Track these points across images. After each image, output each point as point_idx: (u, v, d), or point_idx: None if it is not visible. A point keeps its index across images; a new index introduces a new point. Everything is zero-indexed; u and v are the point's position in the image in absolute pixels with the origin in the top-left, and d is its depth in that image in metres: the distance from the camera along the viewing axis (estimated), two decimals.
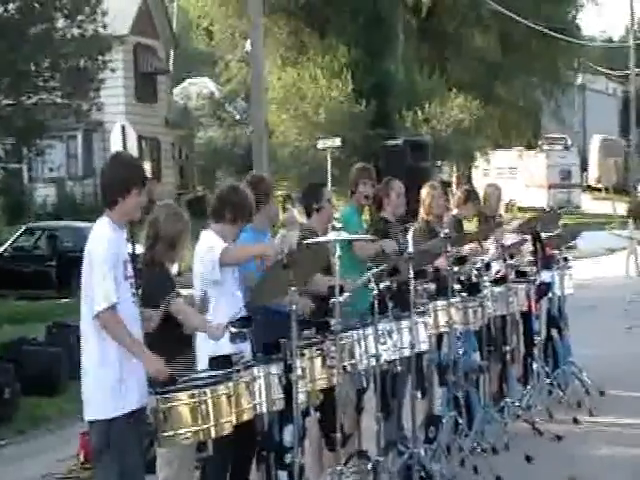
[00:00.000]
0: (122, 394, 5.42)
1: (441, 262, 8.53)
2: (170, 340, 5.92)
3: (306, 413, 6.50)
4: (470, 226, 10.51)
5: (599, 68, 54.20)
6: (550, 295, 10.40)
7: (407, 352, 7.34)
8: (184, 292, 6.35)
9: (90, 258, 5.45)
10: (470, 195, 10.11)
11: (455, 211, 10.01)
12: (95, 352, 5.44)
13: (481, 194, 10.51)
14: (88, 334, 5.48)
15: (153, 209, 6.32)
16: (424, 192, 9.31)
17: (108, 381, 5.42)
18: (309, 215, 7.83)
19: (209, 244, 6.48)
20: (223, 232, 6.56)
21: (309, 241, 6.94)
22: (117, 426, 5.42)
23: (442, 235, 8.37)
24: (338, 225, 6.82)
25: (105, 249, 5.42)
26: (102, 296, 5.35)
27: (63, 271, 19.85)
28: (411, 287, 7.41)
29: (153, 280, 6.12)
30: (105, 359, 5.42)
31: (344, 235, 6.75)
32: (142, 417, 5.55)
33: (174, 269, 6.54)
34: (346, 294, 6.78)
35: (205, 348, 6.14)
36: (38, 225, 23.97)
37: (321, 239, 6.90)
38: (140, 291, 5.93)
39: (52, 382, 11.49)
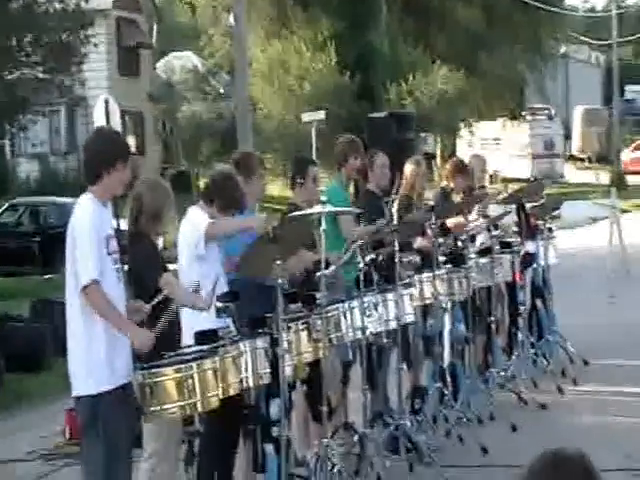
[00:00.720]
0: (109, 369, 5.42)
1: (424, 244, 8.51)
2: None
3: (292, 386, 6.53)
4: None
5: (582, 38, 54.14)
6: (534, 265, 10.44)
7: (393, 324, 7.37)
8: (170, 267, 6.35)
9: (73, 234, 5.43)
10: (460, 167, 9.97)
11: (444, 183, 9.92)
12: (81, 327, 5.43)
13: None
14: (74, 309, 5.47)
15: (136, 184, 6.31)
16: (408, 169, 9.13)
17: (94, 356, 5.41)
18: (293, 189, 7.82)
19: (195, 220, 6.48)
20: (212, 214, 6.55)
21: (294, 214, 6.94)
22: (104, 401, 5.41)
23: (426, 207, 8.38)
24: (323, 198, 6.80)
25: (88, 225, 5.40)
26: (86, 271, 5.35)
27: (47, 247, 19.79)
28: (396, 259, 7.43)
29: (139, 254, 6.12)
30: (91, 334, 5.41)
31: (329, 208, 6.74)
32: (129, 392, 5.55)
33: (159, 243, 6.52)
34: (332, 267, 6.80)
35: (190, 323, 6.15)
36: (21, 201, 23.87)
37: (306, 212, 6.88)
38: (127, 267, 5.93)
39: (37, 359, 11.49)
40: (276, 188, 29.64)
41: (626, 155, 45.42)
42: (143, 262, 6.07)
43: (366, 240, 7.38)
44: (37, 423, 9.74)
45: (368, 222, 8.00)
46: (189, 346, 5.93)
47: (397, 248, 7.48)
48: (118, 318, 5.44)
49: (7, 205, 22.91)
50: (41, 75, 20.99)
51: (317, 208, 6.70)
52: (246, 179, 6.93)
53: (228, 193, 6.60)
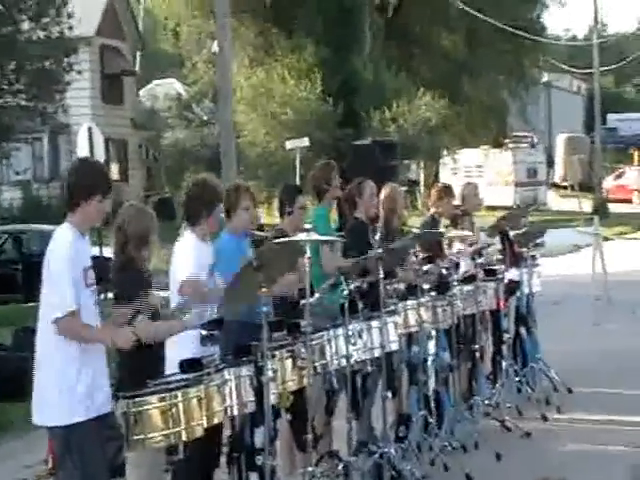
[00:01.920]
0: (83, 399, 5.38)
1: (408, 277, 8.48)
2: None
3: (277, 415, 6.50)
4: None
5: (564, 66, 54.52)
6: (518, 293, 10.45)
7: (377, 352, 7.36)
8: (162, 294, 6.34)
9: (49, 265, 5.41)
10: (445, 191, 9.99)
11: (433, 210, 9.93)
12: (53, 357, 5.41)
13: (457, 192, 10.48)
14: (46, 339, 5.44)
15: (119, 211, 6.29)
16: (382, 196, 9.01)
17: (67, 386, 5.38)
18: (282, 216, 7.78)
19: (184, 255, 6.45)
20: (202, 235, 6.55)
21: (279, 240, 6.93)
22: (78, 432, 5.37)
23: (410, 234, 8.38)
24: (308, 226, 6.79)
25: (65, 256, 5.36)
26: (61, 303, 5.32)
27: (30, 275, 19.65)
28: (381, 287, 7.43)
29: (127, 283, 6.10)
30: (65, 364, 5.38)
31: (314, 236, 6.74)
32: (107, 422, 5.50)
33: (147, 268, 6.46)
34: (316, 295, 6.79)
35: (176, 352, 6.12)
36: (4, 229, 23.75)
37: (290, 239, 6.88)
38: (113, 294, 5.92)
39: (19, 387, 11.38)
40: (260, 215, 29.62)
41: (608, 183, 45.65)
42: (130, 291, 6.04)
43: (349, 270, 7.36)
44: (20, 452, 9.66)
45: (356, 251, 7.97)
46: (173, 373, 5.91)
47: (382, 276, 7.48)
48: (97, 334, 5.42)
49: None
50: (24, 102, 20.99)
51: (301, 235, 6.70)
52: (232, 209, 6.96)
53: (206, 205, 6.56)
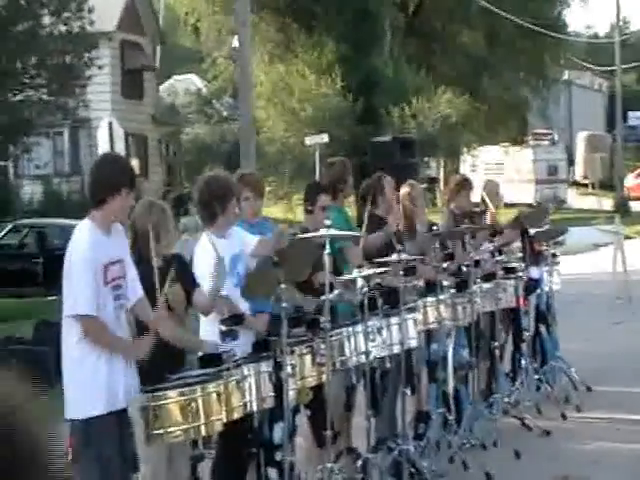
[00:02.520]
0: (103, 394, 5.39)
1: (428, 273, 8.42)
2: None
3: (296, 410, 6.51)
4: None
5: (585, 64, 54.31)
6: (538, 291, 10.41)
7: (397, 349, 7.35)
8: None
9: (69, 264, 5.41)
10: (463, 184, 9.84)
11: (452, 205, 9.77)
12: (75, 351, 5.42)
13: (475, 190, 10.41)
14: (68, 333, 5.45)
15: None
16: (401, 194, 8.94)
17: (88, 380, 5.39)
18: (306, 213, 7.74)
19: (203, 258, 6.42)
20: (216, 231, 6.50)
21: (299, 236, 6.94)
22: (96, 425, 5.38)
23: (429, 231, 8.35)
24: (328, 222, 6.77)
25: (83, 255, 5.36)
26: (83, 303, 5.32)
27: (50, 269, 19.75)
28: (400, 284, 7.42)
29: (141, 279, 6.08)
30: (86, 358, 5.39)
31: (333, 231, 6.72)
32: (127, 417, 5.51)
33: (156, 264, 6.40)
34: (336, 291, 6.78)
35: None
36: (25, 223, 23.87)
37: (311, 235, 6.87)
38: None
39: (40, 381, 11.44)
40: (280, 211, 29.67)
41: (629, 181, 45.45)
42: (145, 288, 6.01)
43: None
44: None
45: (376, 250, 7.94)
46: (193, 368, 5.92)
47: (402, 273, 7.47)
48: (118, 344, 5.43)
49: (10, 227, 22.90)
50: (45, 97, 21.06)
51: (322, 231, 6.69)
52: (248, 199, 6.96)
53: (220, 193, 6.52)
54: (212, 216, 6.50)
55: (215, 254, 6.15)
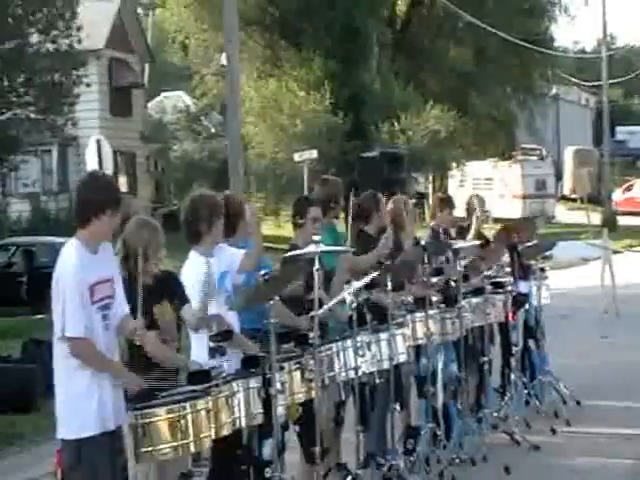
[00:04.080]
0: (92, 414, 5.37)
1: (416, 290, 8.43)
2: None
3: (285, 427, 6.49)
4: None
5: (572, 79, 54.52)
6: (527, 306, 10.42)
7: (386, 364, 7.35)
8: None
9: (57, 285, 5.39)
10: (444, 202, 9.83)
11: (432, 223, 9.81)
12: (66, 371, 5.41)
13: (461, 204, 10.43)
14: (59, 354, 5.44)
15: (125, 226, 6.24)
16: (388, 209, 8.87)
17: (77, 400, 5.37)
18: (295, 229, 7.73)
19: (191, 273, 6.42)
20: (203, 250, 6.50)
21: (291, 253, 6.94)
22: (87, 445, 5.37)
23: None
24: (317, 238, 6.77)
25: (71, 276, 5.34)
26: (73, 324, 5.31)
27: (38, 287, 19.67)
28: (389, 299, 7.42)
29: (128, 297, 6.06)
30: (76, 379, 5.38)
31: (322, 247, 6.73)
32: (118, 435, 5.50)
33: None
34: (325, 307, 6.78)
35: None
36: (13, 241, 23.80)
37: (301, 251, 6.87)
38: None
39: (27, 399, 11.41)
40: (269, 227, 29.67)
41: (617, 196, 45.58)
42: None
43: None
44: (28, 464, 9.65)
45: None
46: (181, 385, 5.91)
47: (390, 288, 7.47)
48: (109, 366, 5.42)
49: None
50: (33, 115, 21.06)
51: (311, 247, 6.69)
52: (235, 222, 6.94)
53: (210, 224, 6.49)
54: (197, 235, 6.51)
55: (204, 269, 6.16)
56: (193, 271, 6.37)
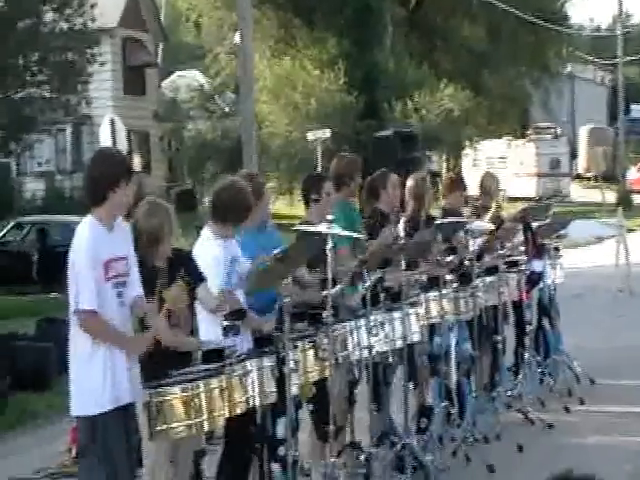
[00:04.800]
0: (108, 390, 5.40)
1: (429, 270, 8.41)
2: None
3: (299, 405, 6.51)
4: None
5: (587, 57, 54.22)
6: (541, 284, 10.40)
7: (399, 343, 7.35)
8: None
9: (73, 260, 5.43)
10: (456, 183, 9.77)
11: (443, 202, 9.78)
12: (80, 348, 5.43)
13: (475, 183, 10.39)
14: (74, 330, 5.46)
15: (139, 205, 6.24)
16: (408, 187, 8.93)
17: (94, 377, 5.40)
18: (307, 206, 7.73)
19: (204, 252, 6.42)
20: (224, 234, 6.51)
21: (304, 229, 6.92)
22: (103, 422, 5.40)
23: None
24: (330, 217, 6.75)
25: (85, 253, 5.37)
26: (85, 298, 5.34)
27: (53, 266, 19.71)
28: (402, 278, 7.42)
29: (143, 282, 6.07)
30: (91, 354, 5.41)
31: (335, 229, 6.71)
32: (132, 413, 5.53)
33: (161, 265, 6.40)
34: (338, 287, 6.78)
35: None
36: (27, 220, 23.88)
37: (313, 230, 6.85)
38: None
39: (42, 377, 11.47)
40: (282, 206, 29.66)
41: (632, 174, 45.39)
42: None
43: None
44: (43, 442, 9.71)
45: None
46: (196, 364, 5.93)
47: (404, 267, 7.46)
48: (117, 339, 5.43)
49: (12, 224, 22.92)
50: (47, 94, 21.04)
51: (323, 227, 6.66)
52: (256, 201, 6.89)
53: (237, 207, 6.51)
54: (223, 221, 6.52)
55: (222, 250, 6.20)
56: (208, 251, 6.39)
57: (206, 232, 6.56)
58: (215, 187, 6.89)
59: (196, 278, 6.14)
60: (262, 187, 7.18)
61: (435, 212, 9.55)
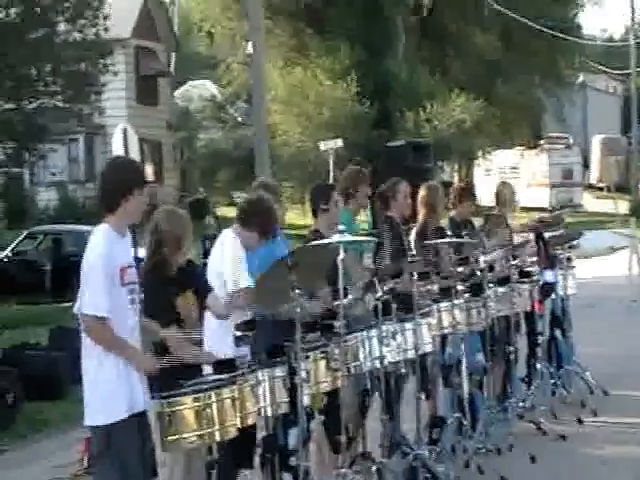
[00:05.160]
0: (122, 399, 5.40)
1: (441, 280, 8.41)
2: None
3: (310, 416, 6.50)
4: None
5: (600, 67, 54.17)
6: (553, 295, 10.38)
7: (411, 354, 7.34)
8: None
9: (86, 267, 5.44)
10: (465, 193, 9.73)
11: (452, 213, 9.66)
12: (94, 356, 5.43)
13: (488, 193, 10.39)
14: (87, 339, 5.47)
15: (155, 213, 6.31)
16: (420, 196, 8.99)
17: (107, 385, 5.40)
18: (315, 216, 7.76)
19: (226, 250, 6.51)
20: (248, 239, 6.60)
21: (316, 242, 6.94)
22: (117, 431, 5.39)
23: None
24: (341, 227, 6.77)
25: (99, 258, 5.39)
26: (93, 303, 5.34)
27: (66, 275, 19.78)
28: (414, 288, 7.41)
29: (155, 285, 6.11)
30: (104, 363, 5.41)
31: (348, 237, 6.72)
32: (145, 421, 5.53)
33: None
34: (350, 297, 6.78)
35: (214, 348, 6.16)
36: (40, 229, 23.95)
37: (325, 241, 6.88)
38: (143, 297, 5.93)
39: (55, 386, 11.49)
40: (294, 216, 29.68)
41: None
42: (150, 294, 6.05)
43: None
44: (55, 451, 9.72)
45: (389, 250, 7.97)
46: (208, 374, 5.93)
47: (416, 277, 7.46)
48: (123, 348, 5.43)
49: (26, 233, 22.98)
50: (60, 104, 21.13)
51: (335, 237, 6.68)
52: None
53: (266, 219, 6.66)
54: (248, 227, 6.70)
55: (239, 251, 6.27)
56: (229, 250, 6.45)
57: (228, 232, 6.65)
58: (252, 197, 7.03)
59: (204, 288, 6.20)
60: (277, 195, 7.28)
61: (443, 221, 9.53)
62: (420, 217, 9.01)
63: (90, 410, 5.47)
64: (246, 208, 6.81)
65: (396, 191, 8.49)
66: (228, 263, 6.49)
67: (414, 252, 8.12)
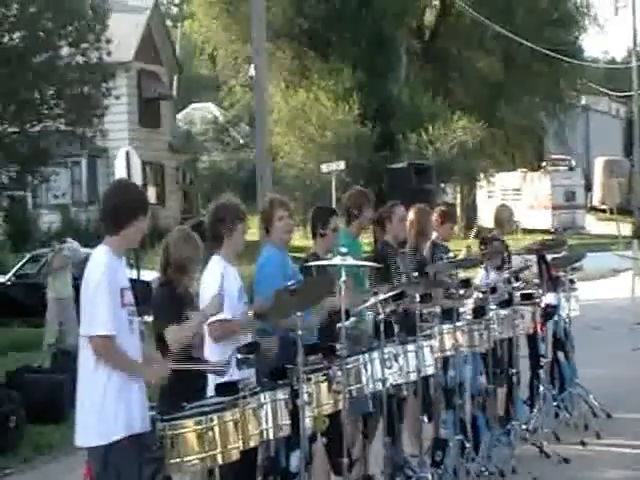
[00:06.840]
0: (121, 418, 5.39)
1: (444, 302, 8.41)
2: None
3: (312, 438, 6.49)
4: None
5: (602, 89, 54.26)
6: (556, 317, 10.36)
7: (413, 376, 7.33)
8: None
9: (88, 286, 5.44)
10: (446, 215, 9.61)
11: (434, 235, 9.47)
12: (93, 376, 5.42)
13: (490, 215, 10.39)
14: (86, 359, 5.46)
15: (166, 234, 6.37)
16: (409, 219, 8.93)
17: (106, 405, 5.38)
18: (314, 238, 7.77)
19: (210, 279, 6.47)
20: (227, 254, 6.57)
21: (312, 263, 6.95)
22: (115, 450, 5.38)
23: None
24: (343, 250, 6.78)
25: (103, 277, 5.39)
26: (100, 323, 5.34)
27: None
28: (416, 311, 7.41)
29: (155, 304, 6.17)
30: (104, 383, 5.39)
31: (349, 260, 6.73)
32: (144, 442, 5.51)
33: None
34: (352, 319, 6.78)
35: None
36: (43, 252, 23.92)
37: (325, 263, 6.89)
38: (153, 314, 5.99)
39: (57, 409, 11.47)
40: (296, 238, 29.68)
41: None
42: (157, 311, 6.12)
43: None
44: (58, 474, 9.70)
45: (384, 274, 7.99)
46: (210, 397, 5.92)
47: (417, 299, 7.46)
48: (131, 365, 5.43)
49: (29, 256, 22.98)
50: (63, 127, 21.22)
51: (336, 260, 6.69)
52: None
53: (226, 215, 6.59)
54: (219, 241, 6.57)
55: (219, 284, 6.21)
56: (213, 281, 6.41)
57: (214, 261, 6.61)
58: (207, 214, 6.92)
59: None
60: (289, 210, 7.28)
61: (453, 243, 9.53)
62: (410, 239, 8.98)
63: (86, 431, 5.45)
64: (209, 230, 6.69)
65: (392, 215, 8.52)
66: (208, 291, 6.39)
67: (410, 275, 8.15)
